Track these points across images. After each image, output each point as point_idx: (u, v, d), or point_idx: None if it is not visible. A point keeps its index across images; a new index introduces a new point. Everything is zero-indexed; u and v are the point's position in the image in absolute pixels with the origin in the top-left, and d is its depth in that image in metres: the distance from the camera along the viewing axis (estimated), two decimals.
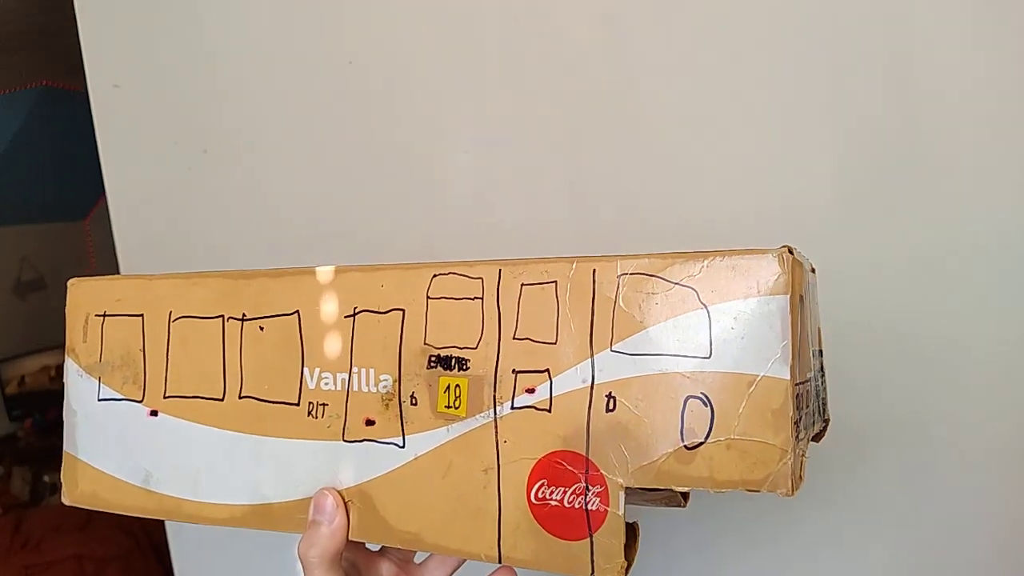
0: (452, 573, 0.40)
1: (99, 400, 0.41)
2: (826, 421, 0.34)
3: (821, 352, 0.33)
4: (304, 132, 0.60)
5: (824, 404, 0.33)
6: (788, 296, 0.26)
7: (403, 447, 0.33)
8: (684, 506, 0.37)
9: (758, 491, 0.26)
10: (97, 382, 0.41)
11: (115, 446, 0.41)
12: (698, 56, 0.50)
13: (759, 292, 0.26)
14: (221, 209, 0.64)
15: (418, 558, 0.41)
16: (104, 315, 0.41)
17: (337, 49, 0.58)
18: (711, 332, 0.27)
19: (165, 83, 0.64)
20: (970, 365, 0.47)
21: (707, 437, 0.27)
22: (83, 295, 0.42)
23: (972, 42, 0.46)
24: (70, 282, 0.43)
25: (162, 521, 0.53)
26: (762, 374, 0.26)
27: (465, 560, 0.39)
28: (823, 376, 0.33)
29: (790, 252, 0.26)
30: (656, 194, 0.50)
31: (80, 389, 0.42)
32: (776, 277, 0.26)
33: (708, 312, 0.27)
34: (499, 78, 0.54)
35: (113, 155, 0.67)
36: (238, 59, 0.62)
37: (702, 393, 0.27)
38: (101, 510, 0.42)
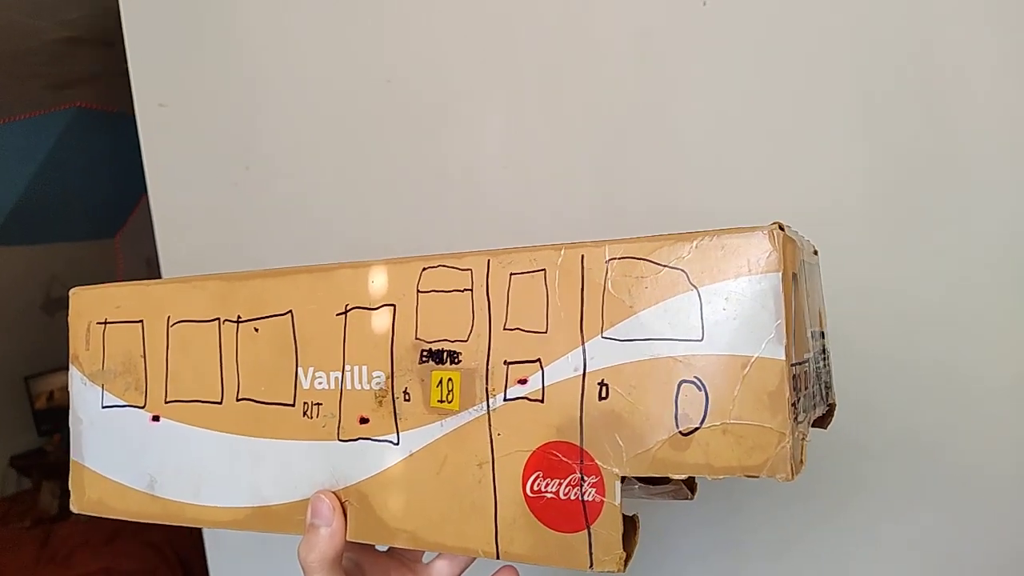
0: (461, 572, 0.39)
1: (103, 407, 0.42)
2: (831, 405, 0.32)
3: (823, 334, 0.32)
4: (344, 148, 0.61)
5: (828, 388, 0.32)
6: (780, 274, 0.25)
7: (397, 444, 0.32)
8: (692, 499, 0.36)
9: (757, 476, 0.26)
10: (100, 389, 0.42)
11: (119, 453, 0.41)
12: (729, 67, 0.49)
13: (750, 271, 0.26)
14: (264, 224, 0.65)
15: (426, 558, 0.40)
16: (105, 322, 0.42)
17: (376, 67, 0.59)
18: (702, 314, 0.26)
19: (209, 102, 0.66)
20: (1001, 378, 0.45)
21: (702, 422, 0.26)
22: (85, 303, 0.42)
23: (1010, 49, 0.44)
24: (72, 291, 0.43)
25: (190, 535, 0.53)
26: (756, 355, 0.25)
27: (474, 559, 0.38)
28: (825, 358, 0.32)
29: (781, 229, 0.26)
30: (690, 208, 0.50)
31: (85, 397, 0.42)
32: (767, 255, 0.25)
33: (699, 294, 0.26)
34: (535, 94, 0.55)
35: (158, 172, 0.69)
36: (279, 77, 0.63)
37: (695, 377, 0.26)
38: (109, 517, 0.42)
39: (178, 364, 0.39)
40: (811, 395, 0.29)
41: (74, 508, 0.43)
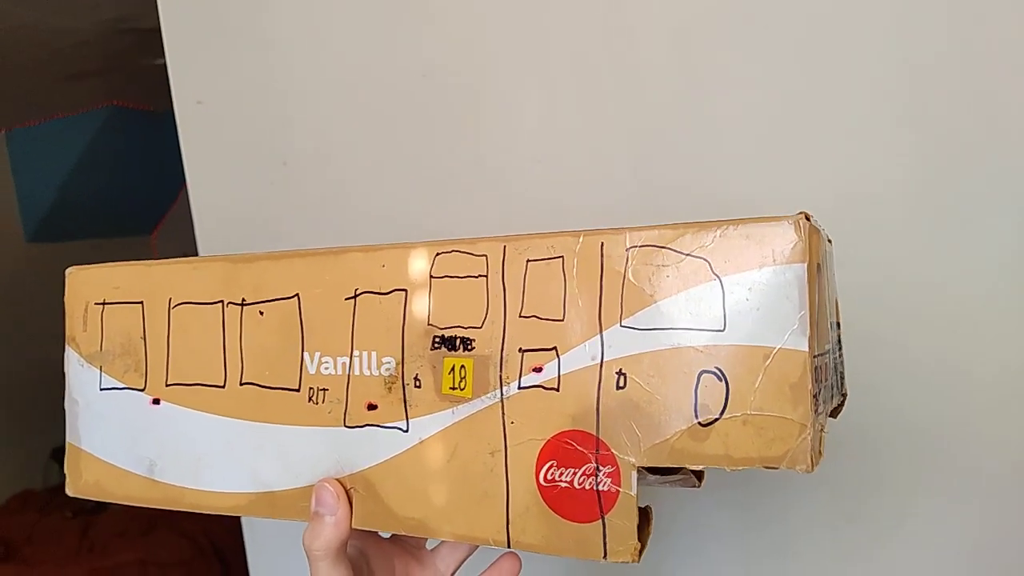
0: (465, 559, 0.39)
1: (101, 389, 0.41)
2: (844, 395, 0.32)
3: (839, 324, 0.32)
4: (380, 144, 0.61)
5: (842, 378, 0.32)
6: (805, 264, 0.25)
7: (407, 431, 0.32)
8: (699, 486, 0.36)
9: (776, 468, 0.25)
10: (98, 371, 0.41)
11: (118, 436, 0.40)
12: (766, 56, 0.49)
13: (775, 261, 0.25)
14: (302, 220, 0.65)
15: (429, 544, 0.40)
16: (104, 303, 0.41)
17: (412, 63, 0.59)
18: (725, 304, 0.26)
19: (246, 99, 0.66)
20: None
21: (722, 413, 0.26)
22: (82, 283, 0.41)
23: None
24: (68, 271, 0.42)
25: (227, 525, 0.53)
26: (779, 346, 0.25)
27: (478, 546, 0.38)
28: (841, 349, 0.32)
29: (807, 219, 0.25)
30: (727, 199, 0.49)
31: (81, 379, 0.41)
32: (792, 245, 0.25)
33: (721, 283, 0.26)
34: (571, 90, 0.54)
35: (197, 169, 0.68)
36: (315, 74, 0.63)
37: (716, 367, 0.26)
38: (105, 500, 0.41)
39: (180, 347, 0.38)
40: (829, 386, 0.28)
41: (70, 491, 0.42)
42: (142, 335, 0.39)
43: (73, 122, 2.15)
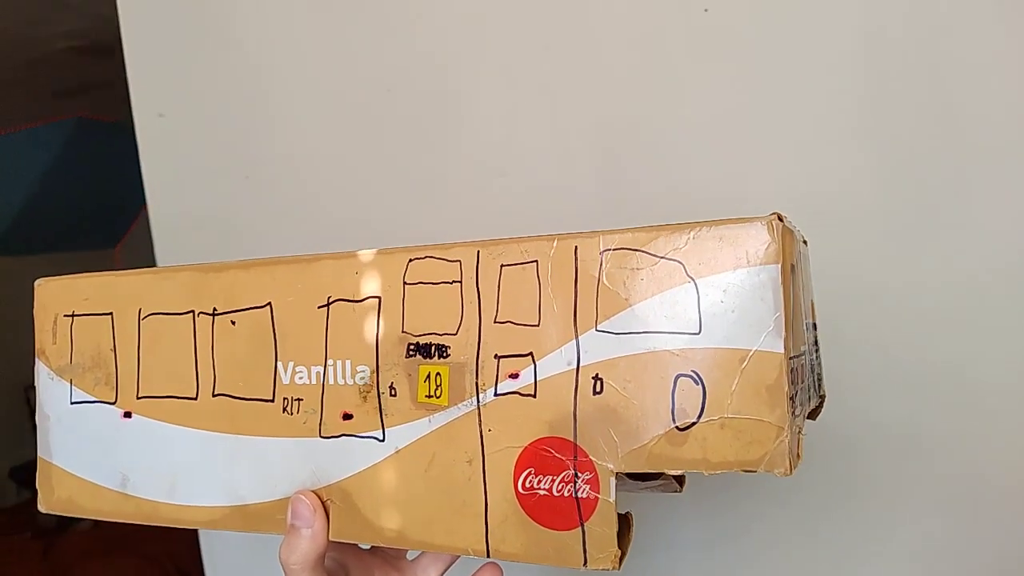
0: (446, 569, 0.39)
1: (71, 403, 0.40)
2: (822, 397, 0.32)
3: (815, 325, 0.32)
4: (345, 157, 0.60)
5: (819, 379, 0.32)
6: (779, 265, 0.25)
7: (383, 440, 0.31)
8: (680, 491, 0.36)
9: (755, 471, 0.25)
10: (69, 385, 0.40)
11: (90, 450, 0.39)
12: (731, 66, 0.49)
13: (749, 262, 0.25)
14: (264, 235, 0.64)
15: (410, 555, 0.39)
16: (73, 315, 0.40)
17: (376, 75, 0.59)
18: (700, 307, 0.26)
19: (208, 112, 0.65)
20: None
21: (699, 417, 0.26)
22: (50, 295, 0.41)
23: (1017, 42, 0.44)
24: (36, 283, 0.41)
25: (190, 548, 0.52)
26: (755, 348, 0.25)
27: (459, 556, 0.37)
28: (817, 350, 0.32)
29: (780, 219, 0.25)
30: (700, 204, 0.49)
31: (52, 393, 0.41)
32: (766, 246, 0.25)
33: (696, 286, 0.26)
34: (534, 105, 0.54)
35: (157, 183, 0.68)
36: (278, 87, 0.63)
37: (693, 371, 0.26)
38: (77, 516, 0.40)
39: (150, 358, 0.38)
40: (806, 388, 0.28)
41: (42, 508, 0.41)
42: (112, 347, 0.39)
43: (39, 134, 2.13)
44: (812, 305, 0.31)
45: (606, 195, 0.52)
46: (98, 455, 0.39)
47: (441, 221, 0.57)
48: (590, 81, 0.52)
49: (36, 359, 0.41)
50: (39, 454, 0.41)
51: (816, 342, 0.32)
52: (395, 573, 0.38)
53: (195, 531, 0.64)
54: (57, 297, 0.40)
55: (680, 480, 0.35)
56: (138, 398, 0.38)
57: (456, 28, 0.56)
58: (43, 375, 0.41)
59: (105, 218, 2.48)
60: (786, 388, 0.25)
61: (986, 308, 0.46)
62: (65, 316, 0.40)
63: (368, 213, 0.60)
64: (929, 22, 0.46)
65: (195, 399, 0.36)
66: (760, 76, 0.49)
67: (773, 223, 0.25)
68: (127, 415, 0.38)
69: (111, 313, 0.39)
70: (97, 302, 0.39)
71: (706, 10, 0.49)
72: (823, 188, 0.48)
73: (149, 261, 0.62)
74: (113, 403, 0.39)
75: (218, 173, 0.65)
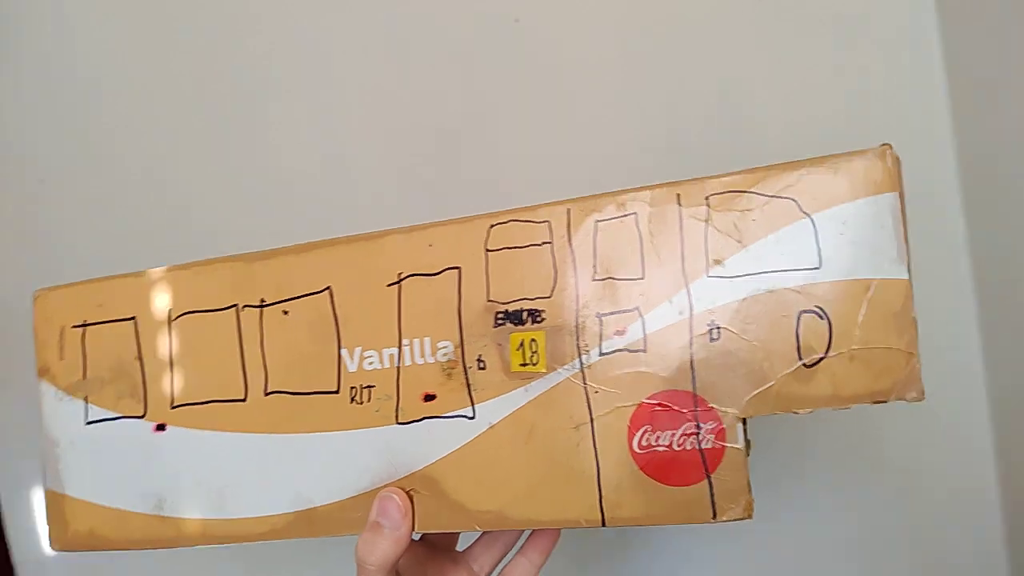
0: (501, 557, 0.37)
1: (88, 423, 0.36)
2: None
3: None
4: (151, 152, 0.56)
5: None
6: (896, 193, 0.25)
7: (473, 418, 0.30)
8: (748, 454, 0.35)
9: (886, 400, 0.25)
10: (83, 403, 0.36)
11: (114, 473, 0.36)
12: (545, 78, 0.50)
13: (866, 192, 0.25)
14: (68, 238, 0.58)
15: (460, 545, 0.38)
16: (84, 324, 0.36)
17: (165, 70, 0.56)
18: (818, 241, 0.26)
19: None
20: None
21: (827, 352, 0.25)
22: (55, 306, 0.37)
23: None
24: (36, 293, 0.37)
25: None
26: (879, 277, 0.25)
27: (518, 539, 0.36)
28: None
29: (891, 148, 0.25)
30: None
31: (61, 414, 0.37)
32: (882, 174, 0.25)
33: (812, 220, 0.26)
34: (356, 114, 0.53)
35: None
36: (59, 82, 0.58)
37: (816, 307, 0.25)
38: (103, 550, 0.36)
39: (186, 363, 0.34)
40: None
41: (55, 547, 0.37)
42: (136, 355, 0.35)
43: None
44: None
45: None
46: (125, 478, 0.35)
47: (262, 221, 0.55)
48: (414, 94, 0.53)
49: (39, 380, 0.37)
50: (46, 487, 0.37)
51: None
52: (449, 563, 0.36)
53: None
54: (62, 307, 0.37)
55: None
56: (173, 408, 0.35)
57: (278, 43, 0.55)
58: (49, 396, 0.37)
59: None
60: (912, 313, 0.25)
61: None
62: (74, 327, 0.36)
63: (180, 207, 0.56)
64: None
65: (244, 400, 0.33)
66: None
67: (887, 152, 0.25)
68: (160, 428, 0.35)
69: (134, 318, 0.35)
70: (115, 307, 0.36)
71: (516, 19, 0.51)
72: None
73: None
74: (142, 417, 0.35)
75: (8, 179, 0.59)
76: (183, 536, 0.34)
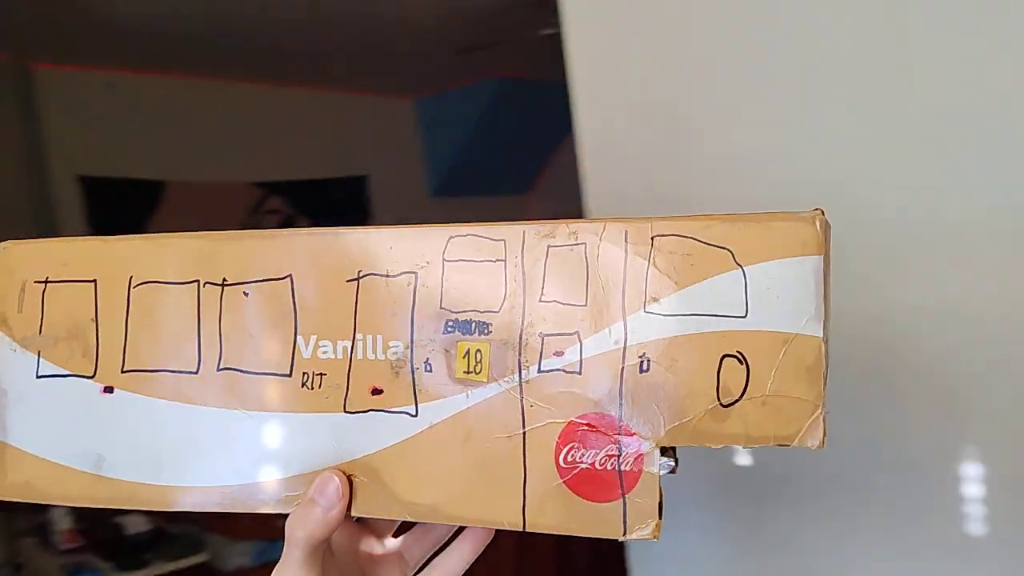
0: (431, 550, 0.38)
1: (38, 377, 0.37)
2: None
3: None
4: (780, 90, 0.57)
5: None
6: (822, 256, 0.27)
7: (416, 416, 0.31)
8: (675, 473, 0.38)
9: (788, 445, 0.27)
10: (36, 357, 0.37)
11: (58, 428, 0.36)
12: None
13: (794, 252, 0.27)
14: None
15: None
16: (46, 281, 0.37)
17: None
18: (747, 292, 0.28)
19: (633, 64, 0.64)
20: None
21: (742, 395, 0.28)
22: (20, 260, 0.37)
23: None
24: (3, 245, 0.38)
25: None
26: (797, 332, 0.27)
27: (449, 534, 0.38)
28: None
29: (823, 214, 0.28)
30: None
31: (12, 365, 0.37)
32: (811, 238, 0.27)
33: (744, 272, 0.28)
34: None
35: (592, 142, 0.67)
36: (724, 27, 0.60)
37: (738, 352, 0.28)
38: (36, 502, 0.37)
39: (141, 330, 0.35)
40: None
41: None
42: (93, 317, 0.36)
43: (468, 92, 2.66)
44: None
45: None
46: (68, 434, 0.36)
47: None
48: None
49: None
50: None
51: None
52: (381, 550, 0.37)
53: None
54: (27, 262, 0.37)
55: (676, 461, 0.37)
56: (123, 372, 0.36)
57: None
58: (4, 346, 0.37)
59: (519, 167, 2.94)
60: (824, 369, 0.27)
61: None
62: (36, 282, 0.37)
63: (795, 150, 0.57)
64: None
65: (195, 373, 0.35)
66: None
67: (818, 218, 0.27)
68: (108, 390, 0.36)
69: (95, 280, 0.36)
70: (78, 268, 0.36)
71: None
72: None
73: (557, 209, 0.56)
74: (91, 377, 0.36)
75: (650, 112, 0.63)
76: (116, 497, 0.35)
